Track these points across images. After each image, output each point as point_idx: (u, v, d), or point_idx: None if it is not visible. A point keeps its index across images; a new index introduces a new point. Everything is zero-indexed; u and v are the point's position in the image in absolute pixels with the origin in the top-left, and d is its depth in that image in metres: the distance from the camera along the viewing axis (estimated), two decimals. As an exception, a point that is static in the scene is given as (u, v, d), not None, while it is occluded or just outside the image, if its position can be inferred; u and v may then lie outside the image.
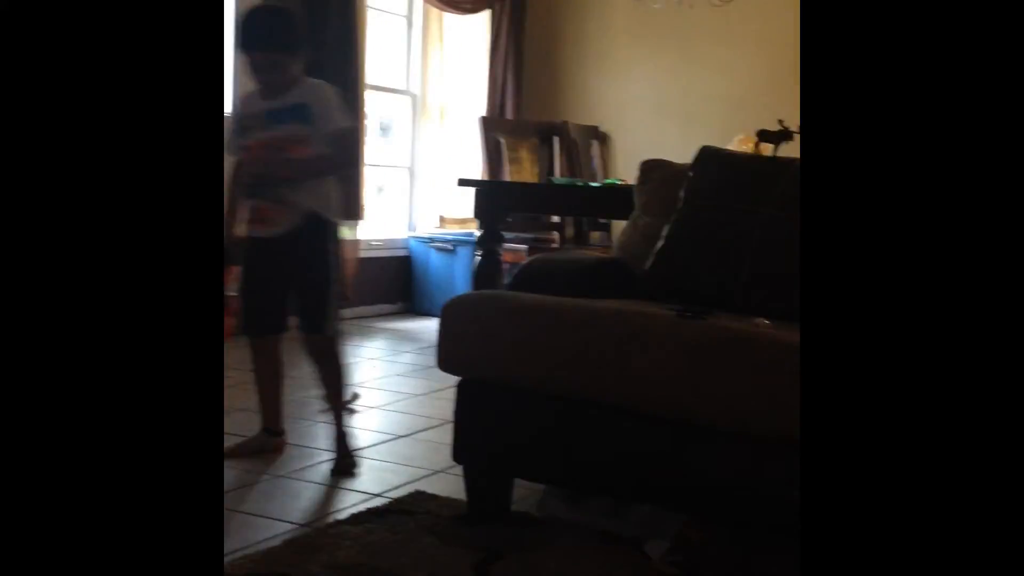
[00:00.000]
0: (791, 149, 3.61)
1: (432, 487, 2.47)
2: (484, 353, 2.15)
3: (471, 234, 5.12)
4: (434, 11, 5.64)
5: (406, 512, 2.26)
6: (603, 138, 5.93)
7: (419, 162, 5.77)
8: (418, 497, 2.39)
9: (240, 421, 2.85)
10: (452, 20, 5.77)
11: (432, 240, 5.54)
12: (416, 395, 3.57)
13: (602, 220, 5.28)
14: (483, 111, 5.74)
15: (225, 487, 2.34)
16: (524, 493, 2.36)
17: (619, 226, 4.02)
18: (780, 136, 3.34)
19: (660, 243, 2.50)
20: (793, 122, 3.72)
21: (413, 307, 5.55)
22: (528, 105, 6.05)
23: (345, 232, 2.88)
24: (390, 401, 3.49)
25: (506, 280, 2.54)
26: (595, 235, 5.39)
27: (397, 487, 2.49)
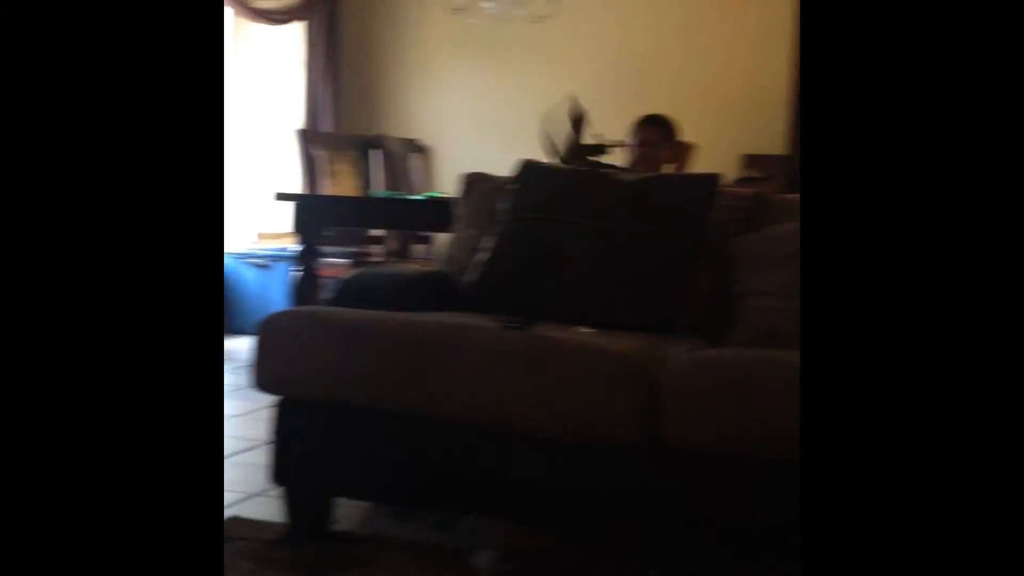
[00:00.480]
0: (607, 160, 3.71)
1: (249, 511, 2.36)
2: (303, 370, 2.08)
3: (288, 249, 4.98)
4: (244, 21, 5.45)
5: (222, 539, 2.15)
6: (423, 151, 5.92)
7: (231, 176, 5.56)
8: (233, 523, 2.27)
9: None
10: (264, 31, 5.60)
11: (246, 256, 5.35)
12: (231, 416, 3.42)
13: (424, 233, 5.26)
14: (299, 124, 5.60)
15: None
16: (348, 511, 2.29)
17: (441, 239, 4.00)
18: (597, 150, 3.44)
19: (483, 255, 2.50)
20: (608, 136, 3.84)
21: (226, 325, 5.34)
22: (346, 118, 5.96)
23: None
24: (203, 424, 3.32)
25: (326, 295, 2.47)
26: (417, 248, 5.35)
27: (212, 513, 2.36)
